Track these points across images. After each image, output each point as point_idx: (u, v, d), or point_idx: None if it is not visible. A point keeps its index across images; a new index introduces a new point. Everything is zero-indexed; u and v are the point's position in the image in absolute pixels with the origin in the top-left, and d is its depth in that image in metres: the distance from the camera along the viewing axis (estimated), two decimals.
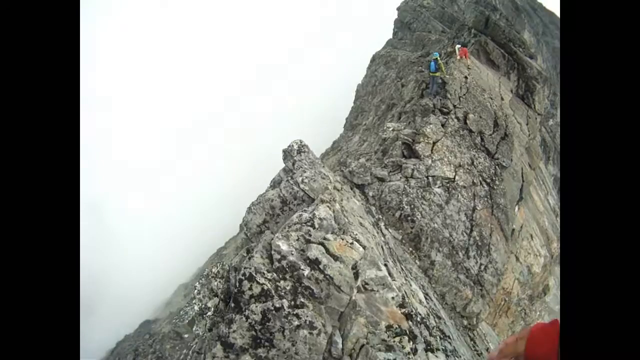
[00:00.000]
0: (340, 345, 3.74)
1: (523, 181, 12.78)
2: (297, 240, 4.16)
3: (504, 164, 11.24)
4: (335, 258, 4.12)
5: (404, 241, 7.81)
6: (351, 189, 7.77)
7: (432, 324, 5.25)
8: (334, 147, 17.18)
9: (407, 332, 4.05)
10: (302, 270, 3.89)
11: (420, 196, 8.01)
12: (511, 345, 1.17)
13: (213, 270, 9.96)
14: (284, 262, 3.91)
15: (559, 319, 1.07)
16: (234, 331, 3.60)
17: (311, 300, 3.84)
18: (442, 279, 8.47)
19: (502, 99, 14.35)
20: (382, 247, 6.06)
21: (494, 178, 10.45)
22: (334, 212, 4.84)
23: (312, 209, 4.93)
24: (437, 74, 11.17)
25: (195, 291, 9.73)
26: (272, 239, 4.19)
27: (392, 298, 4.37)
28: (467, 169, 9.58)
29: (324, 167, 7.37)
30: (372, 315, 4.02)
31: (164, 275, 29.46)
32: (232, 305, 3.85)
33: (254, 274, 3.79)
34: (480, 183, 9.81)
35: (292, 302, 3.75)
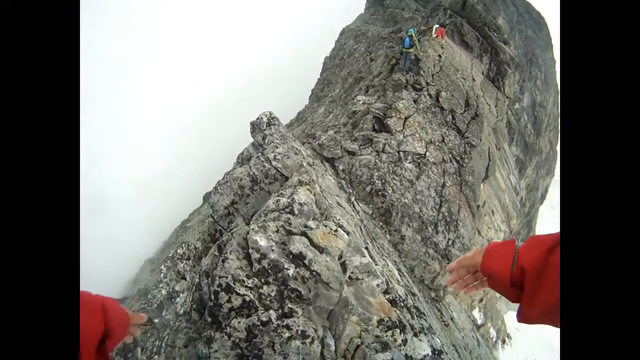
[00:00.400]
0: (333, 348, 3.41)
1: (489, 160, 13.11)
2: (277, 231, 3.63)
3: (473, 142, 11.41)
4: (321, 250, 3.68)
5: (374, 216, 7.73)
6: (321, 162, 7.52)
7: (410, 303, 5.15)
8: (299, 118, 16.79)
9: (397, 323, 3.76)
10: (287, 269, 3.40)
11: (391, 171, 7.90)
12: (469, 258, 1.22)
13: (178, 251, 9.45)
14: (264, 262, 3.37)
15: (515, 239, 1.20)
16: (215, 351, 3.11)
17: (299, 303, 3.40)
18: (412, 253, 8.54)
19: (473, 80, 14.51)
20: (360, 227, 5.83)
21: (463, 156, 10.58)
22: (314, 195, 4.38)
23: (291, 192, 4.40)
24: (411, 50, 11.00)
25: (162, 275, 9.20)
26: (248, 233, 3.59)
27: (378, 285, 4.15)
28: (438, 145, 9.60)
29: (295, 140, 7.01)
30: (364, 311, 3.67)
31: (128, 252, 28.24)
32: (209, 319, 3.31)
33: (232, 284, 3.23)
34: (450, 160, 9.88)
35: (280, 311, 3.28)
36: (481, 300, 15.63)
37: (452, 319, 10.11)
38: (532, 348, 20.26)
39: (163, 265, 9.80)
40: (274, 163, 5.29)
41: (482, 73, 16.29)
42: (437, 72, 11.88)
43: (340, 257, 3.87)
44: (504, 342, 19.03)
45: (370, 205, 7.64)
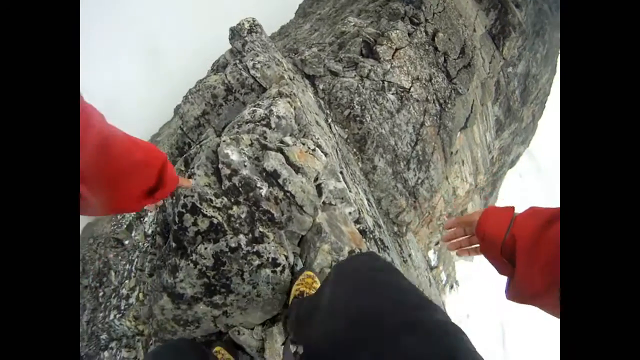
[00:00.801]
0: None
1: (471, 112, 13.20)
2: (251, 145, 3.25)
3: (460, 90, 11.33)
4: (297, 169, 3.34)
5: (349, 141, 7.76)
6: (302, 78, 7.28)
7: (377, 235, 5.24)
8: (282, 32, 15.81)
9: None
10: (259, 188, 3.02)
11: (372, 99, 7.80)
12: (468, 216, 1.23)
13: None
14: (235, 179, 2.98)
15: (514, 206, 1.08)
16: (181, 280, 2.84)
17: (271, 227, 3.07)
18: (381, 185, 8.81)
19: (474, 30, 13.98)
20: (337, 150, 5.73)
21: (447, 100, 10.54)
22: (294, 109, 4.02)
23: (269, 103, 3.98)
24: None
25: None
26: (219, 145, 3.16)
27: (350, 214, 4.00)
28: (424, 84, 9.46)
29: (277, 51, 6.64)
30: (336, 240, 3.41)
31: None
32: (173, 244, 2.99)
33: (198, 204, 2.84)
34: (434, 101, 9.84)
35: (250, 236, 2.94)
36: (437, 243, 16.81)
37: (410, 255, 10.84)
38: (475, 295, 22.43)
39: None
40: (252, 72, 4.97)
41: (485, 27, 15.70)
42: (440, 12, 11.32)
43: (316, 179, 3.63)
44: (452, 287, 20.82)
45: (347, 130, 7.63)
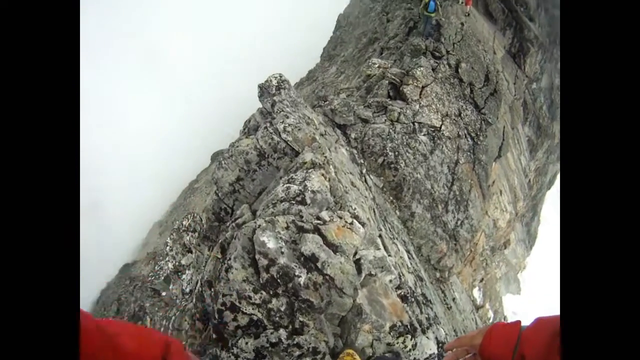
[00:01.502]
0: None
1: (503, 139, 12.53)
2: (287, 228, 3.22)
3: (489, 120, 10.78)
4: (335, 249, 3.30)
5: (385, 189, 7.29)
6: (333, 129, 6.98)
7: (419, 292, 4.81)
8: (310, 77, 16.03)
9: (409, 327, 3.50)
10: (298, 276, 3.05)
11: (405, 143, 7.38)
12: (469, 338, 1.19)
13: (184, 223, 9.08)
14: (273, 270, 2.99)
15: (520, 320, 1.06)
16: None
17: (310, 313, 3.12)
18: (420, 231, 8.18)
19: (494, 53, 13.64)
20: (374, 210, 5.37)
21: (478, 133, 10.00)
22: (329, 180, 3.95)
23: (303, 177, 3.95)
24: (433, 14, 10.11)
25: (168, 247, 8.92)
26: (254, 231, 3.20)
27: (391, 281, 3.88)
28: (454, 119, 9.00)
29: (306, 107, 6.43)
30: (377, 318, 3.42)
31: (137, 215, 28.16)
32: (214, 336, 3.05)
33: (237, 303, 2.89)
34: (465, 136, 9.32)
35: (290, 327, 2.99)
36: (482, 280, 15.60)
37: (454, 299, 9.97)
38: None
39: (169, 238, 9.52)
40: (283, 135, 4.77)
41: (504, 47, 15.35)
42: (459, 41, 11.06)
43: (355, 253, 3.54)
44: None
45: (382, 178, 7.18)
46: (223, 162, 5.71)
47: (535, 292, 21.86)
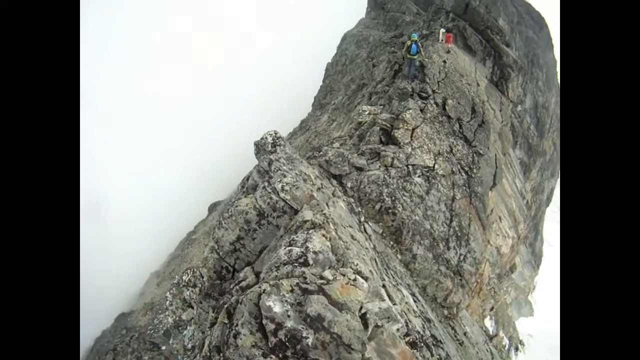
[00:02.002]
0: None
1: (496, 167, 12.75)
2: (291, 291, 3.32)
3: (481, 151, 11.04)
4: (340, 307, 3.39)
5: (384, 235, 7.35)
6: (329, 180, 7.14)
7: (427, 334, 4.78)
8: (302, 126, 16.47)
9: None
10: (306, 338, 3.14)
11: (400, 187, 7.53)
12: None
13: (184, 278, 9.06)
14: (281, 334, 3.05)
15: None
16: None
17: None
18: (424, 272, 8.16)
19: (478, 85, 14.17)
20: (375, 260, 5.44)
21: (471, 166, 10.21)
22: (330, 240, 4.05)
23: (304, 238, 4.09)
24: (416, 56, 10.64)
25: (167, 302, 8.87)
26: (260, 297, 3.30)
27: (398, 330, 3.96)
28: (446, 157, 9.23)
29: (302, 162, 6.61)
30: None
31: (134, 264, 27.87)
32: None
33: None
34: (459, 171, 9.52)
35: None
36: (492, 309, 15.29)
37: (465, 334, 9.76)
38: (545, 353, 19.91)
39: (169, 292, 9.45)
40: (282, 195, 4.91)
41: (486, 77, 15.97)
42: (443, 79, 11.54)
43: (360, 308, 3.58)
44: (517, 349, 18.77)
45: (381, 224, 7.26)
46: (223, 221, 5.77)
47: (548, 310, 21.39)
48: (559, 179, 27.95)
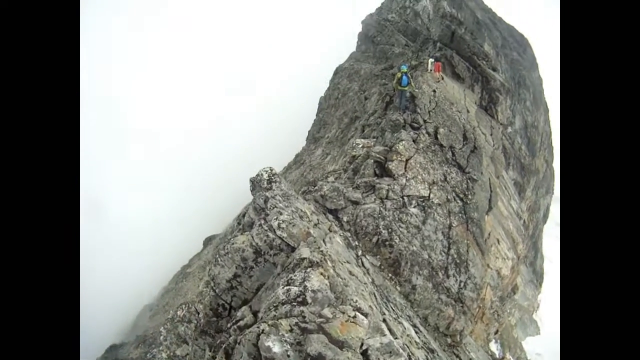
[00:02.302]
0: None
1: (491, 191, 12.96)
2: (291, 331, 3.31)
3: (474, 177, 11.28)
4: (341, 345, 3.37)
5: (382, 267, 7.42)
6: (325, 215, 7.29)
7: None
8: (297, 160, 16.79)
9: None
10: None
11: (397, 218, 7.68)
12: None
13: (179, 313, 8.97)
14: None
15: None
16: None
17: None
18: (424, 302, 8.17)
19: (468, 111, 14.63)
20: (374, 294, 5.50)
21: (466, 192, 10.41)
22: (328, 278, 4.08)
23: (302, 277, 4.10)
24: (407, 88, 11.08)
25: (161, 337, 8.71)
26: (258, 337, 3.27)
27: None
28: (441, 185, 9.45)
29: (298, 198, 6.77)
30: None
31: (127, 296, 27.45)
32: None
33: None
34: (454, 199, 9.71)
35: None
36: (497, 332, 15.05)
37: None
38: None
39: (163, 327, 9.30)
40: (278, 232, 5.03)
41: (475, 103, 16.50)
42: (434, 108, 11.95)
43: (361, 345, 3.58)
44: None
45: (378, 257, 7.36)
46: (219, 258, 5.82)
47: (555, 326, 21.09)
48: (554, 195, 28.21)
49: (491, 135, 16.54)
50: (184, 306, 9.29)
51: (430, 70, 14.23)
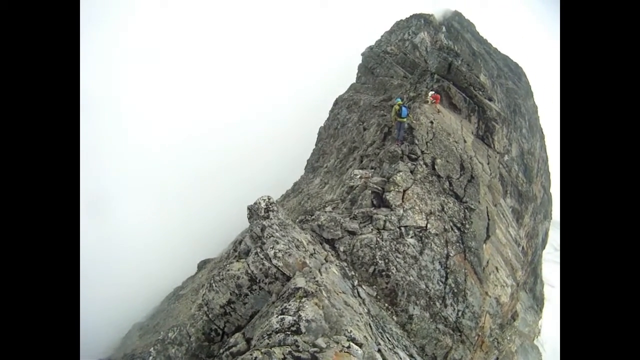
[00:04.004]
0: None
1: (489, 219, 13.15)
2: (284, 359, 3.43)
3: (472, 206, 11.52)
4: None
5: (378, 297, 7.55)
6: (322, 245, 7.50)
7: None
8: (295, 189, 17.09)
9: None
10: None
11: (393, 249, 7.88)
12: None
13: (169, 335, 9.01)
14: None
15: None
16: None
17: None
18: (421, 332, 8.22)
19: (465, 141, 15.06)
20: (370, 325, 5.63)
21: (464, 222, 10.62)
22: (323, 308, 4.21)
23: (296, 307, 4.19)
24: (405, 119, 11.53)
25: (150, 357, 8.69)
26: None
27: None
28: (438, 215, 9.68)
29: (295, 227, 7.00)
30: None
31: (117, 314, 27.05)
32: None
33: None
34: (452, 229, 9.91)
35: None
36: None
37: None
38: None
39: (152, 348, 9.27)
40: (274, 261, 5.23)
41: (472, 133, 16.96)
42: (431, 139, 12.36)
43: None
44: None
45: (374, 287, 7.50)
46: (214, 284, 5.96)
47: (556, 351, 20.61)
48: (552, 220, 28.25)
49: (488, 164, 16.89)
50: (175, 328, 9.33)
51: (431, 102, 14.75)
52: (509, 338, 18.96)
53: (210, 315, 5.72)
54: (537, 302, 23.69)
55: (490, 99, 20.57)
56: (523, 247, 20.35)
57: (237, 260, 6.13)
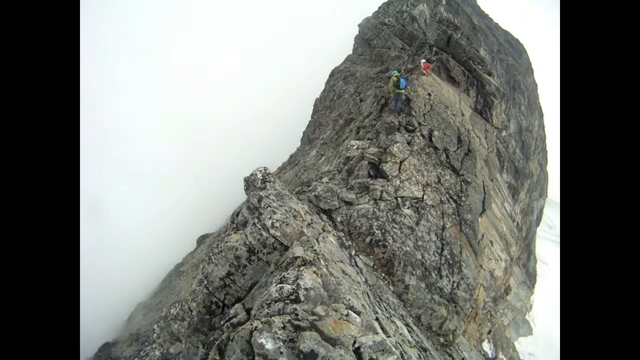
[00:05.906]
0: None
1: (485, 193, 13.12)
2: (284, 328, 3.33)
3: (468, 179, 11.43)
4: (333, 342, 3.42)
5: (375, 267, 7.52)
6: (319, 215, 7.38)
7: None
8: (291, 160, 16.92)
9: None
10: None
11: (390, 219, 7.79)
12: None
13: (172, 311, 9.03)
14: None
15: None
16: None
17: None
18: (417, 302, 8.28)
19: (463, 114, 14.80)
20: (367, 293, 5.59)
21: (460, 194, 10.55)
22: (321, 276, 4.13)
23: (295, 275, 4.14)
24: (403, 90, 11.22)
25: (155, 334, 8.76)
26: (251, 334, 3.28)
27: None
28: (435, 187, 9.57)
29: (292, 198, 6.85)
30: None
31: (121, 294, 27.47)
32: None
33: None
34: (448, 201, 9.84)
35: None
36: (489, 332, 15.20)
37: (463, 359, 9.77)
38: None
39: (156, 325, 9.36)
40: (272, 231, 5.10)
41: (470, 107, 16.67)
42: (428, 111, 12.10)
43: (354, 343, 3.67)
44: None
45: (371, 257, 7.46)
46: (212, 257, 5.87)
47: (547, 327, 21.35)
48: (547, 198, 28.55)
49: (485, 138, 16.73)
50: (177, 304, 9.34)
51: (420, 70, 14.42)
52: (501, 311, 19.53)
53: (210, 288, 5.67)
54: (530, 278, 24.26)
55: (489, 74, 20.15)
56: (518, 223, 20.59)
57: (235, 232, 6.02)
